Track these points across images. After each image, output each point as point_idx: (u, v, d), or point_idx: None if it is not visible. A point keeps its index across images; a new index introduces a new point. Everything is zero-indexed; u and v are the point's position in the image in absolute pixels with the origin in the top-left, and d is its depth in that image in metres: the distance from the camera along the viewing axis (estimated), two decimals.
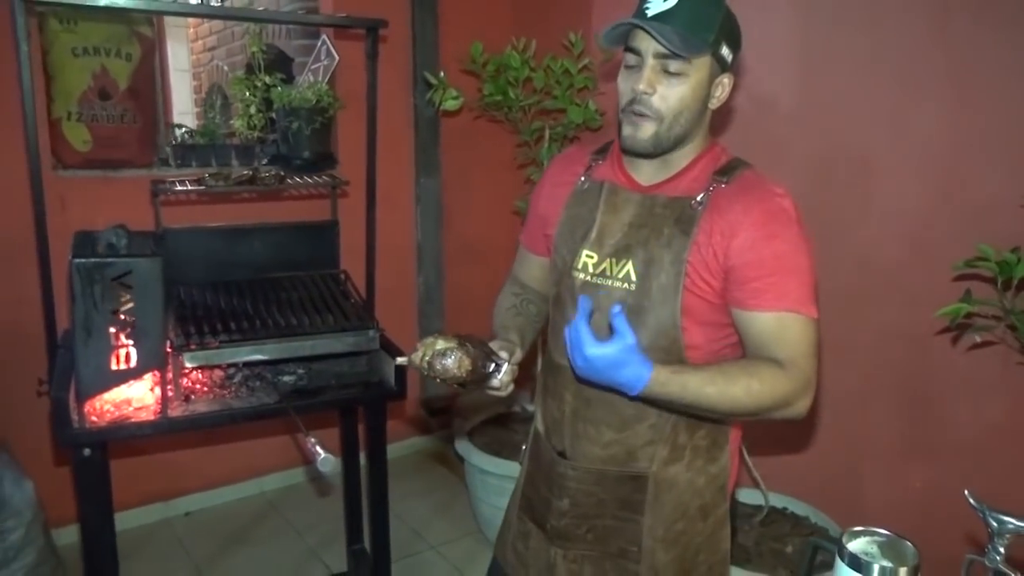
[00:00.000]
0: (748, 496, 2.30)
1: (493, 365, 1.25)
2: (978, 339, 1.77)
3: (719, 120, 2.41)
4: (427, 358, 1.19)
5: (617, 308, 1.09)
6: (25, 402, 2.43)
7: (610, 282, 1.28)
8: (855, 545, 0.96)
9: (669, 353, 1.24)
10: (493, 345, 1.31)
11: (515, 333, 1.39)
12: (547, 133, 2.71)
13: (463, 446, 2.82)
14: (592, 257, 1.30)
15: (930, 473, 2.07)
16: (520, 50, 2.61)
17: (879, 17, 2.07)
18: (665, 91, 1.20)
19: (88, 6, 2.05)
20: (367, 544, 2.43)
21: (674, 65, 1.18)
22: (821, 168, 2.23)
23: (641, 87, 1.20)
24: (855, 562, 0.93)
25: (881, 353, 2.15)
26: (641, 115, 1.21)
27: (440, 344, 1.19)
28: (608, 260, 1.28)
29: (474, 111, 2.91)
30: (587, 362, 1.09)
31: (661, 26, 1.15)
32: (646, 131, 1.22)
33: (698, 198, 1.24)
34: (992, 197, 1.82)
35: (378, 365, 2.17)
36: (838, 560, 0.95)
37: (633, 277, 1.25)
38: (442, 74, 2.66)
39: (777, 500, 2.30)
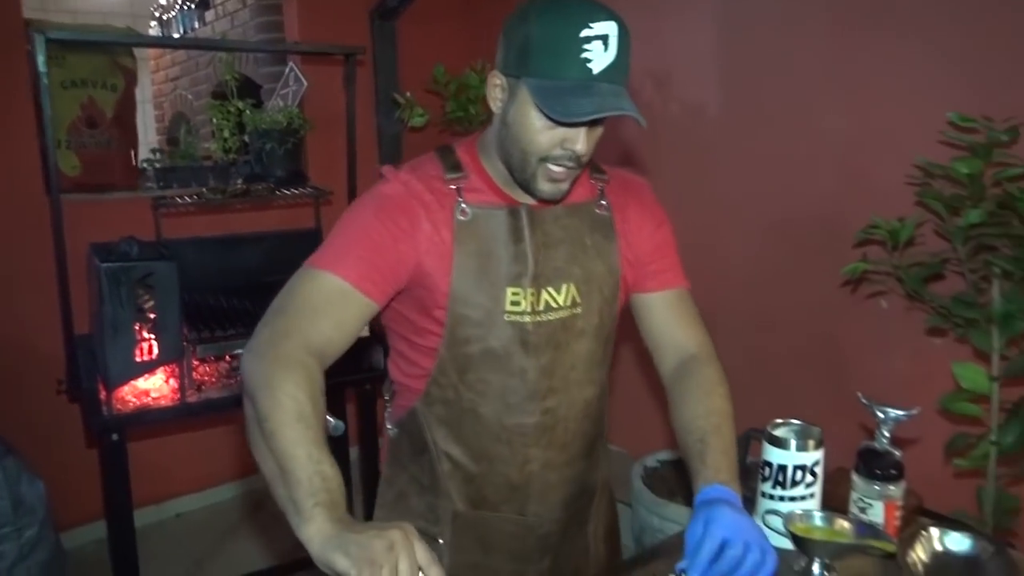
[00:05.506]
0: None
1: None
2: (884, 304, 2.14)
3: (654, 125, 2.74)
4: None
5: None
6: (31, 407, 2.61)
7: (554, 315, 1.18)
8: (778, 431, 1.26)
9: (606, 345, 1.28)
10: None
11: (328, 465, 0.90)
12: None
13: None
14: (522, 293, 1.15)
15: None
16: (479, 71, 2.91)
17: (786, 30, 2.43)
18: (591, 141, 1.10)
19: (89, 41, 2.27)
20: None
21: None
22: (746, 165, 2.58)
23: (581, 149, 1.07)
24: (775, 441, 1.23)
25: (801, 317, 2.49)
26: (569, 170, 1.10)
27: None
28: (545, 291, 1.17)
29: (438, 127, 3.19)
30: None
31: (618, 92, 1.03)
32: (568, 183, 1.13)
33: (602, 202, 1.24)
34: (884, 180, 2.17)
35: (367, 352, 2.42)
36: (765, 443, 1.25)
37: (578, 299, 1.19)
38: (409, 94, 2.93)
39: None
